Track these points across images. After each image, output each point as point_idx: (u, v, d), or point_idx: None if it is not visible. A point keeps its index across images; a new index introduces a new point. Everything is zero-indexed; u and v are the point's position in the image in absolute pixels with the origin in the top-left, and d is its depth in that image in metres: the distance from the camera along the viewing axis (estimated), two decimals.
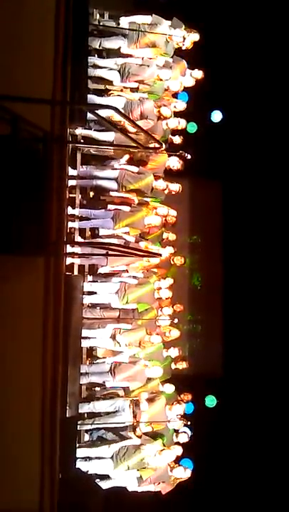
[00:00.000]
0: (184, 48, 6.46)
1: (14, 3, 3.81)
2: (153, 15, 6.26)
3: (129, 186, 6.10)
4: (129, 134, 4.98)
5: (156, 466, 5.74)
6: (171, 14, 6.44)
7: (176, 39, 6.36)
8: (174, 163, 6.49)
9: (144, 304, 6.15)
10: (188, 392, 6.64)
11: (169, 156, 6.52)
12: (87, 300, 5.94)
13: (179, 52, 6.57)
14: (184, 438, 6.09)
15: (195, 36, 6.43)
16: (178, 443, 6.07)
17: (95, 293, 6.07)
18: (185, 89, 6.66)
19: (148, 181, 6.21)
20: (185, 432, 6.15)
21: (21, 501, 3.75)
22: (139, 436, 5.71)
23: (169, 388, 6.33)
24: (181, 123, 6.51)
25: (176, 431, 6.14)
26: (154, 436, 5.91)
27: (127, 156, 6.18)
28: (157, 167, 6.45)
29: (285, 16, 7.82)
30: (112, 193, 6.12)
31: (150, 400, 5.98)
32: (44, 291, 3.89)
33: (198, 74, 6.63)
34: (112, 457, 5.60)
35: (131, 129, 5.60)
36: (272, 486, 7.59)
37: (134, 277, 6.20)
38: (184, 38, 6.40)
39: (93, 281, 6.18)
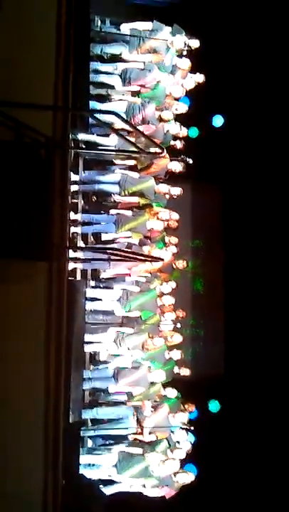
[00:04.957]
0: (182, 57, 6.48)
1: (16, 10, 3.83)
2: (154, 21, 6.29)
3: (132, 188, 6.10)
4: (131, 140, 4.99)
5: (161, 474, 5.72)
6: (172, 20, 6.47)
7: (177, 44, 6.38)
8: (176, 166, 6.53)
9: (147, 312, 6.14)
10: (192, 401, 6.62)
11: (171, 160, 6.55)
12: (89, 306, 5.94)
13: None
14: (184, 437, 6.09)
15: (195, 43, 6.46)
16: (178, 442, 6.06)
17: (98, 299, 6.07)
18: (186, 92, 6.67)
19: (149, 185, 6.23)
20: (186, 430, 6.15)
21: (25, 507, 3.74)
22: (141, 446, 5.70)
23: (172, 393, 6.31)
24: (182, 130, 6.55)
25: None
26: (155, 443, 5.89)
27: (130, 162, 6.20)
28: (158, 170, 6.47)
29: (286, 22, 7.84)
30: (114, 197, 6.13)
31: (154, 409, 5.96)
32: (47, 295, 3.89)
33: (200, 78, 6.65)
34: (115, 465, 5.58)
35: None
36: (275, 488, 7.55)
37: (137, 283, 6.20)
38: (185, 44, 6.43)
39: (96, 287, 6.17)
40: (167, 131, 6.41)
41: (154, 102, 6.19)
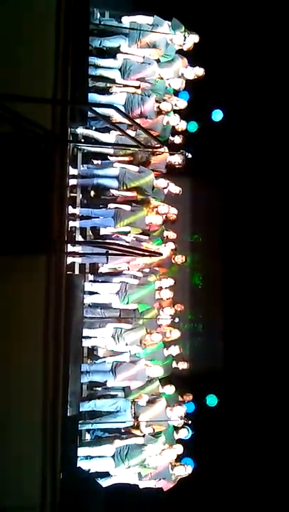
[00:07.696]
0: (185, 49, 6.47)
1: (16, 4, 3.81)
2: (154, 16, 6.27)
3: (130, 184, 6.11)
4: (130, 134, 4.98)
5: (157, 465, 5.76)
6: (171, 13, 6.43)
7: (176, 41, 6.36)
8: (176, 158, 6.52)
9: (144, 305, 6.16)
10: (189, 392, 6.65)
11: (170, 155, 6.54)
12: (88, 300, 5.95)
13: (179, 53, 6.57)
14: (184, 433, 6.11)
15: (194, 37, 6.45)
16: (179, 440, 6.08)
17: (96, 293, 6.07)
18: (186, 83, 6.64)
19: (149, 180, 6.22)
20: (185, 428, 6.17)
21: (22, 500, 3.75)
22: (143, 435, 5.73)
23: (170, 389, 6.34)
24: (181, 123, 6.53)
25: (176, 428, 6.15)
26: (155, 435, 5.92)
27: (127, 158, 6.19)
28: (158, 163, 6.46)
29: (286, 15, 7.80)
30: (112, 191, 6.13)
31: (151, 402, 5.98)
32: (45, 290, 3.89)
33: (200, 71, 6.64)
34: (113, 456, 5.62)
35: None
36: (273, 483, 7.59)
37: (135, 277, 6.20)
38: (185, 37, 6.41)
39: (94, 281, 6.18)
40: (167, 122, 6.40)
41: (153, 95, 6.18)
